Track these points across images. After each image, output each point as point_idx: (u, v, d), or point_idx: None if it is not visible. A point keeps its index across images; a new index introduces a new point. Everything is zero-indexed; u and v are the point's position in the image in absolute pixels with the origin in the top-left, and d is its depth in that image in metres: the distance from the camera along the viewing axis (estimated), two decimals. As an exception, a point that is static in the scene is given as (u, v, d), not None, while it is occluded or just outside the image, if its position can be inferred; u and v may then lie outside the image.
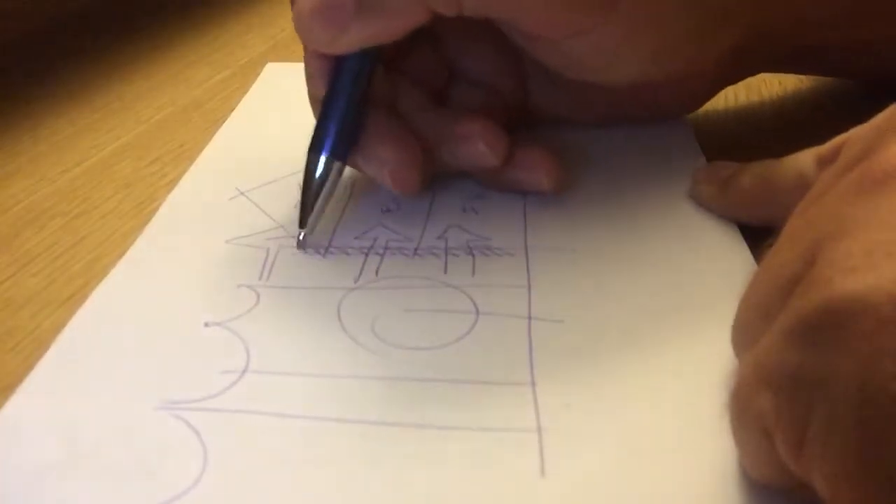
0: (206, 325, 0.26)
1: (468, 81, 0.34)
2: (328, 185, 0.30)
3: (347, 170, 0.32)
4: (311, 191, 0.30)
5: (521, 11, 0.30)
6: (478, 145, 0.31)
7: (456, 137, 0.31)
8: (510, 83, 0.35)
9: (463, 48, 0.33)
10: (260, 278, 0.29)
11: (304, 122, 0.32)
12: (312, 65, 0.31)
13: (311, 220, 0.30)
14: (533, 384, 0.23)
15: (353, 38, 0.29)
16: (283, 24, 0.56)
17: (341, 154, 0.30)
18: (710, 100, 0.37)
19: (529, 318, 0.26)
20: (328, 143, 0.30)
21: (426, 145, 0.31)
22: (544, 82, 0.34)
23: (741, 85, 0.41)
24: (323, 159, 0.30)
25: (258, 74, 0.46)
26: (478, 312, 0.26)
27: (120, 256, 0.30)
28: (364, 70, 0.30)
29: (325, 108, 0.30)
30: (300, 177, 0.30)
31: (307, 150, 0.30)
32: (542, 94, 0.35)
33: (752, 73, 0.37)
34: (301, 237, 0.30)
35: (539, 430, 0.22)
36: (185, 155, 0.38)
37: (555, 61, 0.32)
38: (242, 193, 0.34)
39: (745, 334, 0.19)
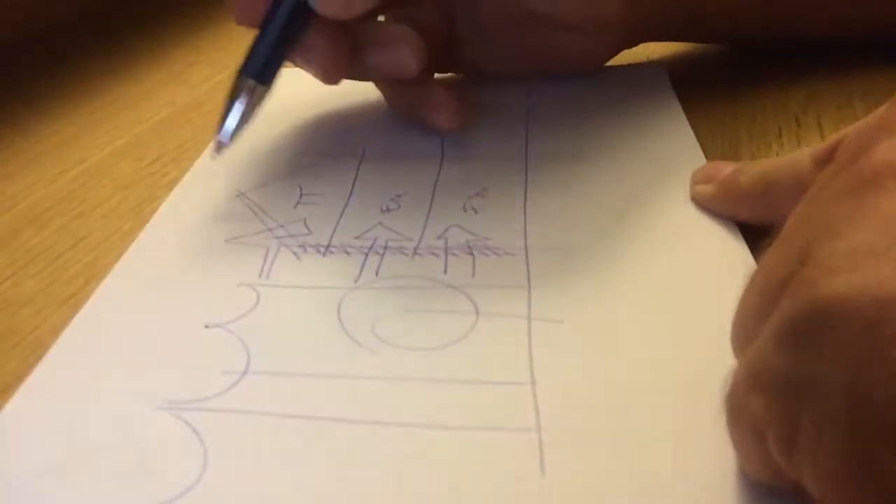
0: (207, 326, 0.26)
1: (402, 18, 0.36)
2: (249, 104, 0.32)
3: (347, 169, 0.32)
4: (230, 106, 0.32)
5: None
6: (402, 50, 0.33)
7: (382, 41, 0.34)
8: (439, 29, 0.37)
9: None
10: (260, 278, 0.29)
11: (305, 123, 0.32)
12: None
13: (224, 127, 0.32)
14: (533, 384, 0.23)
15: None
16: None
17: (267, 79, 0.32)
18: (704, 98, 0.37)
19: (529, 318, 0.26)
20: (256, 67, 0.32)
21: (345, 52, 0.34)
22: (472, 36, 0.37)
23: (741, 85, 0.41)
24: (249, 81, 0.32)
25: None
26: (478, 312, 0.26)
27: (120, 256, 0.30)
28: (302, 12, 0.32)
29: (260, 35, 0.32)
30: (300, 177, 0.30)
31: (237, 71, 0.32)
32: (468, 46, 0.38)
33: (652, 39, 0.41)
34: (216, 143, 0.32)
35: (539, 429, 0.22)
36: (185, 155, 0.38)
37: None
38: (242, 193, 0.34)
39: (742, 334, 0.19)
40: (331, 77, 0.34)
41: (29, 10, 0.57)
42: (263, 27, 0.32)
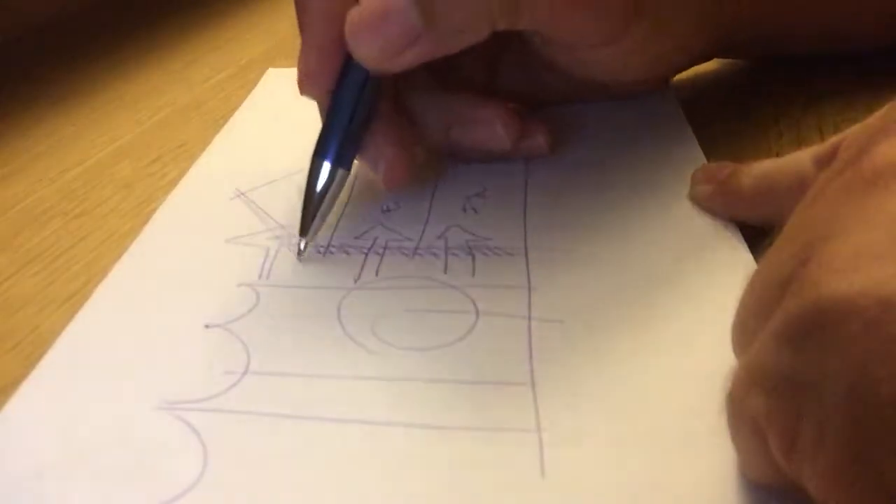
0: (207, 326, 0.26)
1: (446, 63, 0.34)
2: (331, 192, 0.30)
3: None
4: (313, 198, 0.29)
5: (566, 25, 0.31)
6: (496, 129, 0.32)
7: (474, 121, 0.32)
8: (482, 66, 0.36)
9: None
10: (260, 278, 0.29)
11: (304, 124, 0.32)
12: (314, 66, 0.30)
13: (312, 227, 0.29)
14: (533, 384, 0.23)
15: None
16: (283, 24, 0.55)
17: (346, 162, 0.30)
18: (704, 99, 0.38)
19: (529, 318, 0.26)
20: (332, 150, 0.29)
21: (432, 129, 0.32)
22: (516, 69, 0.36)
23: (741, 86, 0.41)
24: (326, 166, 0.29)
25: (258, 74, 0.46)
26: (478, 312, 0.26)
27: (120, 256, 0.30)
28: (374, 75, 0.29)
29: (331, 112, 0.30)
30: (300, 177, 0.30)
31: (312, 154, 0.30)
32: (509, 78, 0.36)
33: (704, 62, 0.41)
34: (302, 246, 0.29)
35: (539, 430, 0.22)
36: (185, 155, 0.38)
37: (574, 65, 0.34)
38: (242, 193, 0.34)
39: (742, 335, 0.19)
40: (395, 184, 0.31)
41: (29, 10, 0.57)
42: (334, 104, 0.30)
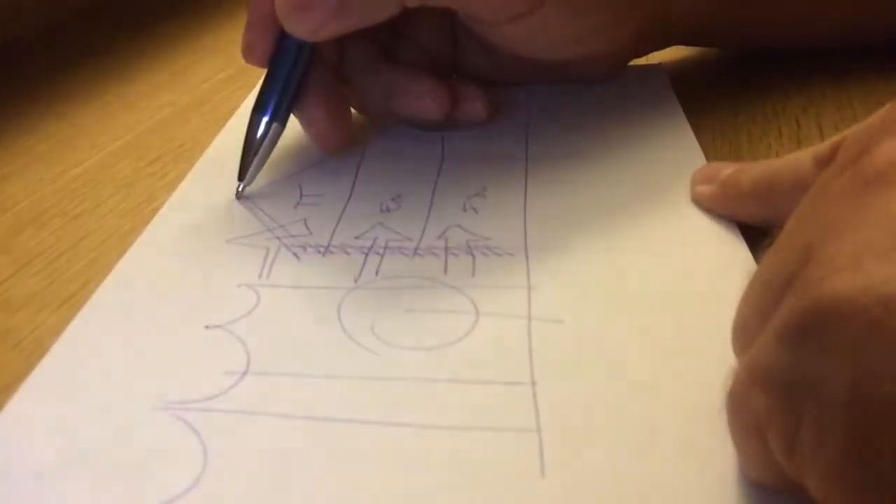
0: (207, 326, 0.26)
1: (409, 40, 0.38)
2: (266, 143, 0.34)
3: (347, 169, 0.32)
4: (251, 147, 0.33)
5: (474, 1, 0.34)
6: (426, 101, 0.36)
7: (406, 92, 0.36)
8: (445, 46, 0.39)
9: (409, 14, 0.35)
10: (260, 278, 0.29)
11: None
12: (255, 37, 0.34)
13: (249, 173, 0.33)
14: (533, 384, 0.23)
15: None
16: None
17: (281, 117, 0.34)
18: (704, 99, 0.38)
19: (529, 318, 0.26)
20: (270, 106, 0.33)
21: (371, 99, 0.36)
22: (475, 49, 0.38)
23: (741, 86, 0.41)
24: (264, 120, 0.33)
25: (258, 74, 0.46)
26: (478, 313, 0.26)
27: (120, 256, 0.30)
28: (305, 45, 0.33)
29: (268, 75, 0.34)
30: (300, 177, 0.30)
31: (251, 110, 0.34)
32: (471, 58, 0.39)
33: (652, 51, 0.42)
34: (240, 189, 0.33)
35: (539, 430, 0.22)
36: (185, 155, 0.38)
37: (496, 41, 0.37)
38: (243, 194, 0.34)
39: (743, 334, 0.19)
40: (327, 146, 0.35)
41: (29, 10, 0.57)
42: (271, 67, 0.34)
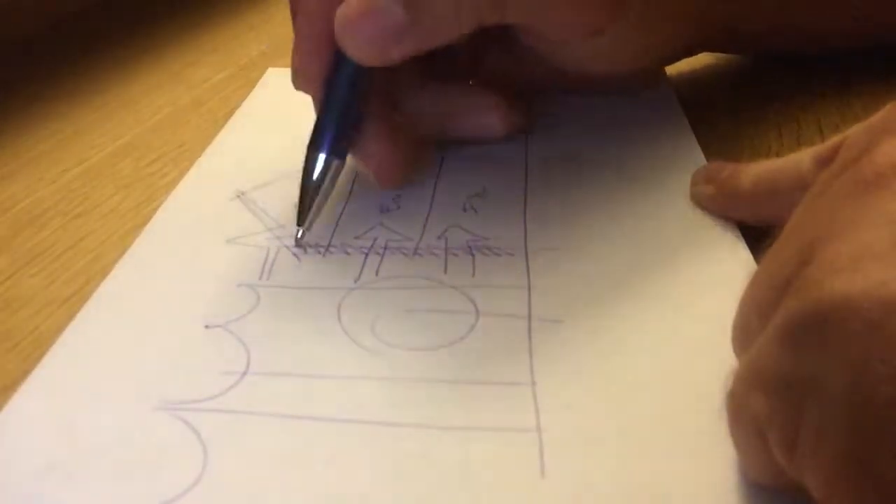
0: (207, 326, 0.26)
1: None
2: (326, 183, 0.30)
3: (347, 169, 0.32)
4: (309, 188, 0.30)
5: (553, 18, 0.32)
6: (492, 117, 0.34)
7: (468, 110, 0.34)
8: (466, 53, 0.36)
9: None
10: (260, 278, 0.29)
11: (305, 124, 0.32)
12: (307, 60, 0.30)
13: (309, 217, 0.30)
14: (533, 384, 0.23)
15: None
16: (283, 24, 0.55)
17: (341, 152, 0.31)
18: (705, 100, 0.38)
19: (529, 318, 0.26)
20: (327, 141, 0.30)
21: (427, 120, 0.33)
22: (502, 57, 0.36)
23: (741, 86, 0.41)
24: (322, 157, 0.30)
25: (258, 74, 0.46)
26: (478, 312, 0.26)
27: (120, 256, 0.30)
28: (365, 68, 0.30)
29: (325, 105, 0.30)
30: (300, 176, 0.30)
31: (307, 146, 0.31)
32: (497, 66, 0.37)
33: (688, 56, 0.41)
34: (299, 235, 0.30)
35: (539, 430, 0.22)
36: (185, 155, 0.38)
37: (559, 56, 0.34)
38: (242, 193, 0.34)
39: (743, 335, 0.19)
40: (389, 182, 0.32)
41: (29, 10, 0.57)
42: (326, 97, 0.30)
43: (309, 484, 0.21)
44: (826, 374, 0.15)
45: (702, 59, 0.44)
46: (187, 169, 0.36)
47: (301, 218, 0.30)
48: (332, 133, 0.30)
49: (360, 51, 0.29)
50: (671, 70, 0.42)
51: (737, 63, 0.44)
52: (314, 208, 0.30)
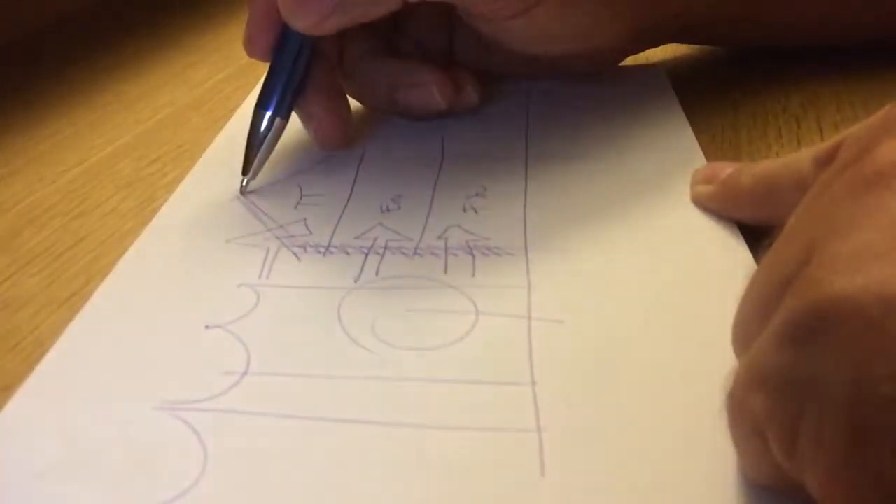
0: (207, 326, 0.26)
1: (405, 34, 0.39)
2: (270, 138, 0.34)
3: (347, 169, 0.32)
4: (255, 143, 0.34)
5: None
6: (431, 92, 0.37)
7: (412, 84, 0.37)
8: (441, 40, 0.40)
9: (407, 7, 0.35)
10: (260, 278, 0.29)
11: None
12: (256, 32, 0.34)
13: (252, 168, 0.34)
14: (533, 384, 0.23)
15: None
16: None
17: (284, 112, 0.34)
18: (704, 99, 0.38)
19: (529, 318, 0.26)
20: (273, 101, 0.34)
21: (377, 91, 0.37)
22: (470, 42, 0.39)
23: (741, 86, 0.41)
24: (267, 115, 0.34)
25: (258, 74, 0.46)
26: (478, 312, 0.26)
27: (120, 256, 0.30)
28: (307, 39, 0.33)
29: (271, 70, 0.34)
30: (300, 177, 0.30)
31: (254, 106, 0.34)
32: (467, 51, 0.40)
33: (648, 47, 0.43)
34: (244, 183, 0.34)
35: (539, 430, 0.22)
36: (185, 155, 0.38)
37: (495, 36, 0.37)
38: (243, 194, 0.34)
39: (743, 335, 0.19)
40: (327, 143, 0.36)
41: (28, 11, 0.57)
42: (273, 62, 0.34)
43: (309, 484, 0.21)
44: (826, 374, 0.15)
45: (701, 59, 0.44)
46: (187, 169, 0.36)
47: (246, 168, 0.34)
48: (277, 95, 0.34)
49: (301, 24, 0.32)
50: (671, 70, 0.42)
51: (737, 63, 0.44)
52: (258, 161, 0.34)
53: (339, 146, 0.36)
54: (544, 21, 0.35)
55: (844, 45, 0.41)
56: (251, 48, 0.34)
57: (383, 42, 0.38)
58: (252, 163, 0.34)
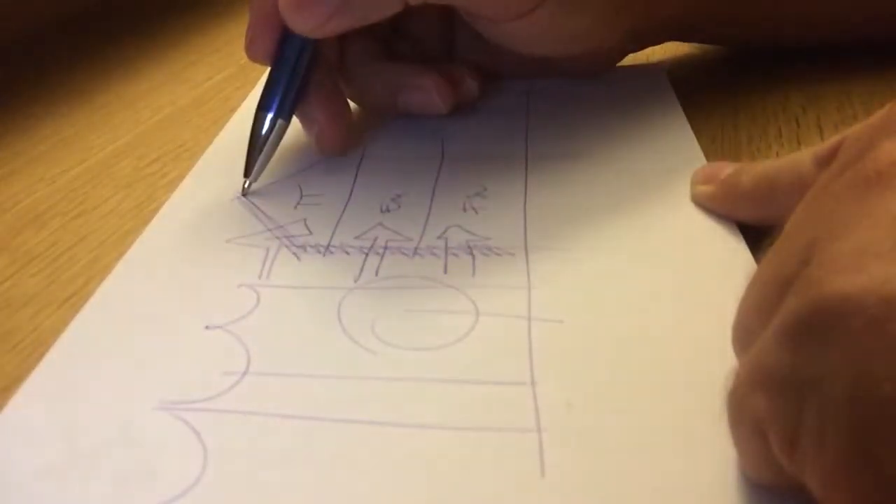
0: (207, 327, 0.26)
1: (406, 35, 0.39)
2: (272, 140, 0.34)
3: (347, 169, 0.32)
4: (257, 145, 0.34)
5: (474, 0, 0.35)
6: (432, 96, 0.37)
7: (413, 88, 0.37)
8: (442, 41, 0.40)
9: (409, 9, 0.35)
10: (260, 278, 0.29)
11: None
12: (258, 35, 0.34)
13: (255, 171, 0.34)
14: (533, 384, 0.23)
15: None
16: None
17: (286, 114, 0.34)
18: (704, 99, 0.38)
19: (529, 318, 0.26)
20: (274, 104, 0.34)
21: (379, 94, 0.37)
22: (472, 43, 0.39)
23: (741, 86, 0.41)
24: (269, 117, 0.34)
25: (258, 74, 0.46)
26: (478, 313, 0.26)
27: (120, 256, 0.30)
28: (309, 43, 0.33)
29: (273, 72, 0.34)
30: (300, 177, 0.30)
31: (256, 108, 0.34)
32: (468, 52, 0.40)
33: (647, 46, 0.43)
34: (246, 185, 0.34)
35: (539, 430, 0.22)
36: (185, 155, 0.38)
37: (496, 37, 0.37)
38: (243, 194, 0.34)
39: (743, 334, 0.19)
40: (327, 148, 0.36)
41: (29, 10, 0.57)
42: (274, 65, 0.34)
43: (309, 484, 0.21)
44: (827, 373, 0.15)
45: (701, 59, 0.44)
46: (187, 169, 0.36)
47: (248, 170, 0.34)
48: (278, 97, 0.34)
49: (302, 26, 0.33)
50: (671, 70, 0.42)
51: (737, 62, 0.44)
52: (260, 163, 0.34)
53: (340, 153, 0.36)
54: (545, 22, 0.35)
55: (838, 44, 0.41)
56: (252, 51, 0.34)
57: (383, 44, 0.38)
58: (254, 165, 0.34)
